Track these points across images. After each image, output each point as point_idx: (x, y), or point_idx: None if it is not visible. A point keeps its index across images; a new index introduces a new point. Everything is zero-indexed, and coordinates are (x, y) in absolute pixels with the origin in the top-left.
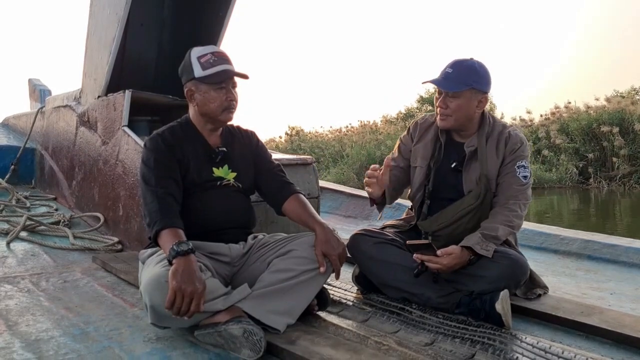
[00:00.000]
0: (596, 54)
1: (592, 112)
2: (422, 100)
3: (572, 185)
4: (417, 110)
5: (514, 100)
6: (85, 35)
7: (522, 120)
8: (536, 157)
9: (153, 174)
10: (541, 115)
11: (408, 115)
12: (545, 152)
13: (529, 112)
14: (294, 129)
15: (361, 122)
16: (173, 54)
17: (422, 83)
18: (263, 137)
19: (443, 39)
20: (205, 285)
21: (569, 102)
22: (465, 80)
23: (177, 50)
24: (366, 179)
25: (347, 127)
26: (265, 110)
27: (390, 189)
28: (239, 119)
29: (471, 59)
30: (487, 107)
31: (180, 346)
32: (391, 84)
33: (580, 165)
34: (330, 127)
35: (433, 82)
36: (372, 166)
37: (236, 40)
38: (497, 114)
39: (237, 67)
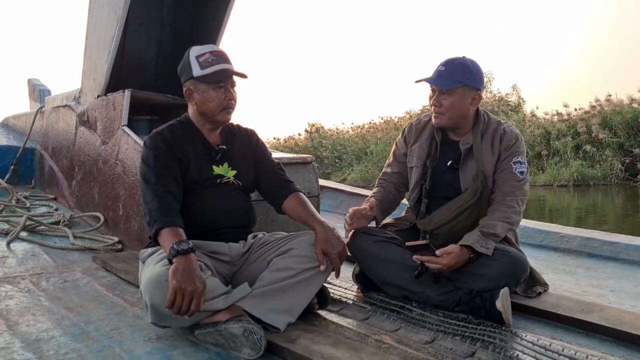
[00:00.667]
0: (599, 55)
1: (636, 104)
2: None
3: (617, 182)
4: None
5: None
6: (85, 35)
7: (558, 114)
8: (577, 153)
9: (153, 172)
10: (575, 110)
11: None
12: (587, 147)
13: (566, 106)
14: (313, 125)
15: (383, 118)
16: (172, 53)
17: (416, 82)
18: (281, 134)
19: (465, 33)
20: (205, 284)
21: (610, 95)
22: (457, 77)
23: (177, 49)
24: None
25: (369, 123)
26: (283, 108)
27: (380, 213)
28: (251, 117)
29: (463, 57)
30: (515, 100)
31: (180, 345)
32: (413, 79)
33: (626, 161)
34: (352, 123)
35: (426, 80)
36: (352, 210)
37: (244, 38)
38: (527, 108)
39: (240, 66)
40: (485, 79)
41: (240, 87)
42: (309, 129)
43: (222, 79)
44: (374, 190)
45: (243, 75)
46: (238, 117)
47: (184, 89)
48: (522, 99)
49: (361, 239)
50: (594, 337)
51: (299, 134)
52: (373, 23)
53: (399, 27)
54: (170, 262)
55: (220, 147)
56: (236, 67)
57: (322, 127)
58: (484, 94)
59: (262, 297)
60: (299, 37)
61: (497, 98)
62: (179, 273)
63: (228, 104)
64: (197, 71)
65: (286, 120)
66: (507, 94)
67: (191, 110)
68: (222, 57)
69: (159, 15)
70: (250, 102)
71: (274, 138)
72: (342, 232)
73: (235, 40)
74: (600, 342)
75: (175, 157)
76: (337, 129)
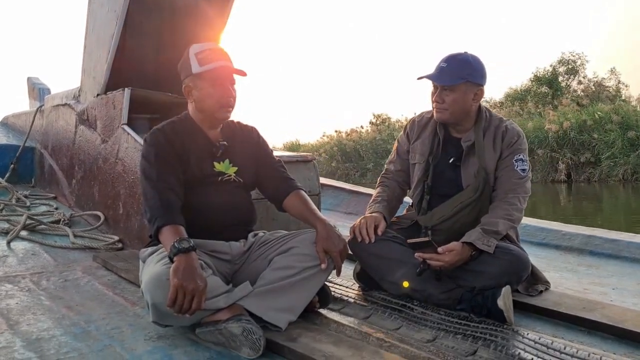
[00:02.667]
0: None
1: None
2: (538, 80)
3: None
4: (527, 93)
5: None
6: (84, 33)
7: None
8: None
9: (154, 168)
10: None
11: (516, 97)
12: None
13: None
14: (379, 117)
15: None
16: (172, 51)
17: (417, 79)
18: (343, 128)
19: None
20: (206, 282)
21: None
22: (459, 73)
23: (176, 47)
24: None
25: None
26: (343, 100)
27: (388, 215)
28: (306, 112)
29: (465, 52)
30: (614, 85)
31: (181, 344)
32: (493, 63)
33: None
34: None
35: (428, 77)
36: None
37: (285, 30)
38: (634, 92)
39: (248, 61)
40: (578, 62)
41: (291, 82)
42: (374, 120)
43: (221, 76)
44: (378, 190)
45: (242, 73)
46: (287, 112)
47: (183, 86)
48: (623, 83)
49: None
50: (595, 335)
51: (362, 127)
52: (431, 10)
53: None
54: (172, 261)
55: (221, 142)
56: (243, 64)
57: (388, 118)
58: (582, 79)
59: (263, 296)
60: (364, 24)
61: (594, 83)
62: (180, 272)
63: (227, 102)
64: (195, 68)
65: (348, 112)
66: (603, 78)
67: (191, 108)
68: (221, 55)
69: (159, 12)
70: (303, 97)
71: (336, 131)
72: (343, 231)
73: (233, 38)
74: (602, 340)
75: (176, 153)
76: (407, 120)
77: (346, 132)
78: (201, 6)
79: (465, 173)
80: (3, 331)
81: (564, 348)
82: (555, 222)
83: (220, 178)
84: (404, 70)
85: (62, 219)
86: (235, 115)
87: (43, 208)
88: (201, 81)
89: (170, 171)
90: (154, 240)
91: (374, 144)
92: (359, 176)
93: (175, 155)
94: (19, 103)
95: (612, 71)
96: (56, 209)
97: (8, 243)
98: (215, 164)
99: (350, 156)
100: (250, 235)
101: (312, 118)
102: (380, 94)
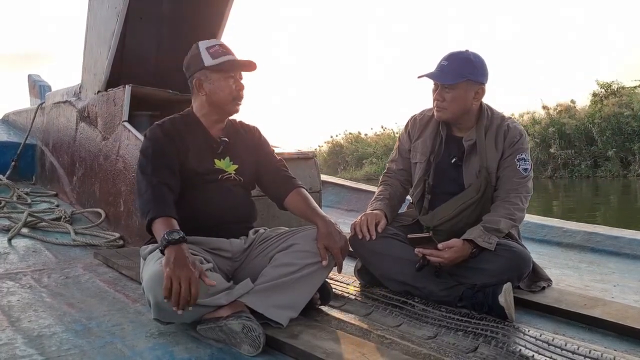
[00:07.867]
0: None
1: None
2: None
3: None
4: None
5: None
6: (85, 30)
7: None
8: None
9: (150, 163)
10: None
11: None
12: None
13: None
14: (608, 86)
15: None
16: (172, 49)
17: (418, 77)
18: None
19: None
20: (201, 270)
21: None
22: (460, 72)
23: (177, 44)
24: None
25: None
26: (342, 101)
27: (390, 213)
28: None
29: (466, 50)
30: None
31: (182, 341)
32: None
33: None
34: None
35: (428, 75)
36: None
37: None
38: None
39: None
40: None
41: (289, 83)
42: (599, 91)
43: (234, 68)
44: (380, 188)
45: (252, 66)
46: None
47: (193, 80)
48: None
49: None
50: (596, 331)
51: (572, 101)
52: None
53: None
54: (162, 253)
55: (222, 139)
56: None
57: (622, 87)
58: None
59: (264, 293)
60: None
61: None
62: (171, 262)
63: (238, 94)
64: (208, 61)
65: (345, 113)
66: None
67: (197, 103)
68: (230, 50)
69: (159, 10)
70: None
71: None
72: (344, 228)
73: (234, 34)
74: (603, 336)
75: (175, 148)
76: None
77: (554, 108)
78: (201, 3)
79: (467, 172)
80: (4, 328)
81: (565, 345)
82: (556, 219)
83: (220, 176)
84: (407, 69)
85: (63, 216)
86: (239, 115)
87: (44, 205)
88: (214, 73)
89: (166, 166)
90: (154, 237)
91: (616, 122)
92: (587, 167)
93: (173, 150)
94: (19, 100)
95: None
96: (57, 206)
97: (9, 240)
98: (216, 160)
99: (573, 140)
100: (251, 232)
101: (311, 119)
102: (383, 93)
